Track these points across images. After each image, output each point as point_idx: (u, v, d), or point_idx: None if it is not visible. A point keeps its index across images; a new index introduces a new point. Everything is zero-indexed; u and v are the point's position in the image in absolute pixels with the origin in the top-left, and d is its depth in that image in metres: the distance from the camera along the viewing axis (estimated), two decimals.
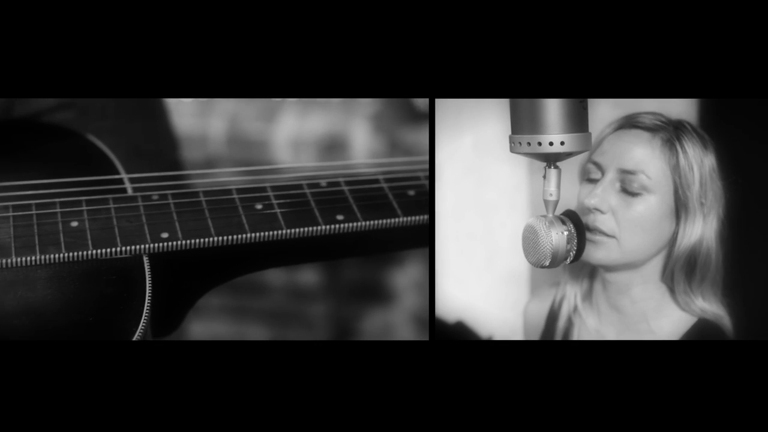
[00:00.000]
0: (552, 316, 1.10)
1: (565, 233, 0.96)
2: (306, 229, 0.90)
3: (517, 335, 1.45)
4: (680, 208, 0.98)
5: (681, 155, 0.97)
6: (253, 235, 0.89)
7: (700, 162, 0.98)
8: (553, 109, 0.92)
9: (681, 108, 1.13)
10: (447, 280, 1.63)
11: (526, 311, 1.16)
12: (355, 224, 0.91)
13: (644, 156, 0.97)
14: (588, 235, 0.98)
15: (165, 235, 0.89)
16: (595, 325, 1.05)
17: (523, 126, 0.94)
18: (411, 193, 0.96)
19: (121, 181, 0.97)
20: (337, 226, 0.91)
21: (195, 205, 0.92)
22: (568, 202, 1.01)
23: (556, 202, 0.97)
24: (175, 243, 0.89)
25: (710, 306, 1.00)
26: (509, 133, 0.95)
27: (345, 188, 0.95)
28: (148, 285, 0.87)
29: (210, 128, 2.02)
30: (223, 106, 2.03)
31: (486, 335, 1.51)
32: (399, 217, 0.92)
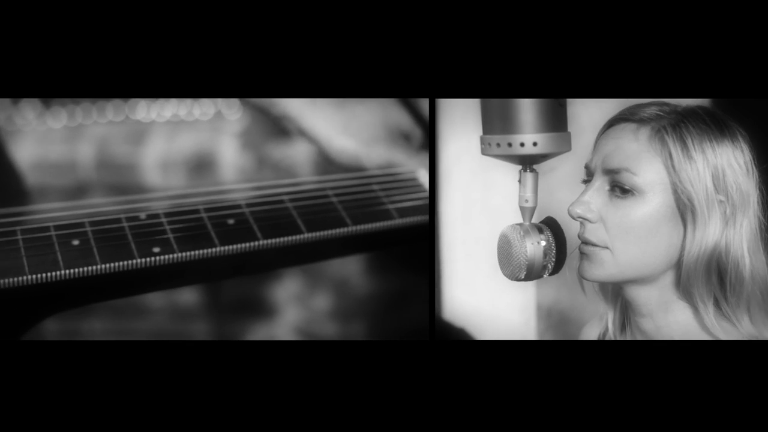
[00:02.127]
0: None
1: (542, 243, 0.88)
2: (121, 263, 0.91)
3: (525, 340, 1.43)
4: (684, 209, 0.83)
5: (674, 146, 0.83)
6: (68, 271, 0.90)
7: (710, 152, 0.83)
8: (525, 107, 0.84)
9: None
10: (455, 284, 1.63)
11: (581, 336, 1.02)
12: (171, 256, 0.92)
13: (629, 151, 0.85)
14: (580, 247, 0.88)
15: None
16: None
17: (494, 125, 0.86)
18: (230, 222, 0.96)
19: None
20: (154, 258, 0.91)
21: (11, 243, 0.92)
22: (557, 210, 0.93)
23: (533, 209, 0.89)
24: None
25: (763, 330, 0.85)
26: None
27: (164, 220, 0.95)
28: None
29: (78, 154, 2.00)
30: (92, 130, 2.02)
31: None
32: (216, 247, 0.93)
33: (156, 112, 2.02)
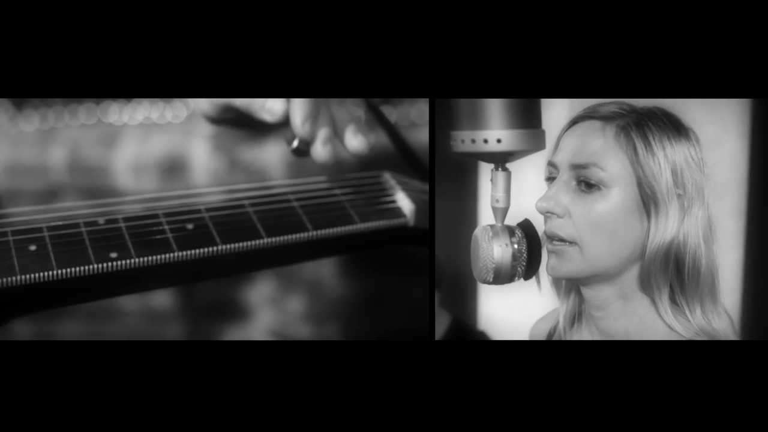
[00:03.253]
0: (549, 339, 1.02)
1: (513, 246, 0.87)
2: (78, 268, 0.90)
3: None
4: (648, 201, 0.87)
5: (638, 142, 0.87)
6: (23, 277, 0.89)
7: (669, 149, 0.87)
8: (491, 102, 0.83)
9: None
10: (487, 288, 1.62)
11: (532, 332, 1.06)
12: (129, 261, 0.91)
13: (596, 147, 0.88)
14: (548, 245, 0.88)
15: None
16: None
17: (462, 121, 0.84)
18: (189, 227, 0.96)
19: None
20: (111, 264, 0.91)
21: None
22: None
23: (505, 210, 0.88)
24: None
25: (714, 323, 0.88)
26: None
27: (122, 225, 0.95)
28: None
29: (50, 157, 1.99)
30: (64, 133, 2.01)
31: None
32: (174, 252, 0.93)
33: (128, 114, 2.01)
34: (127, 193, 1.95)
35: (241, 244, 0.94)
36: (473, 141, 0.83)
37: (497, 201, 0.88)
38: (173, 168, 1.98)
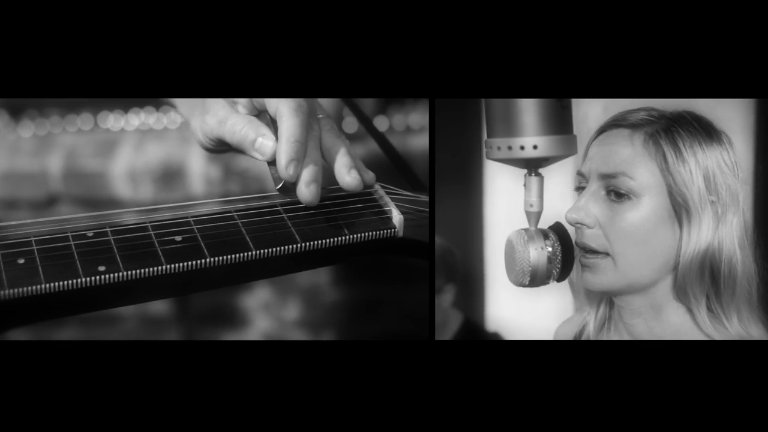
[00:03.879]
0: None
1: (547, 249, 0.87)
2: (66, 282, 0.90)
3: None
4: (679, 210, 0.85)
5: (668, 150, 0.85)
6: (11, 291, 0.89)
7: (701, 154, 0.86)
8: (527, 109, 0.84)
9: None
10: (496, 289, 1.62)
11: (557, 334, 1.05)
12: (117, 275, 0.91)
13: (624, 156, 0.87)
14: (581, 258, 0.88)
15: None
16: None
17: (497, 129, 0.86)
18: (178, 239, 0.96)
19: None
20: (99, 277, 0.91)
21: None
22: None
23: (539, 214, 0.89)
24: None
25: (750, 330, 0.87)
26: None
27: (111, 238, 0.95)
28: None
29: (48, 165, 2.00)
30: (61, 140, 2.01)
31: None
32: (162, 265, 0.92)
33: (124, 120, 2.01)
34: (124, 201, 1.96)
35: (229, 257, 0.94)
36: (510, 148, 0.85)
37: (531, 205, 0.89)
38: (169, 175, 1.99)
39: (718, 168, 0.86)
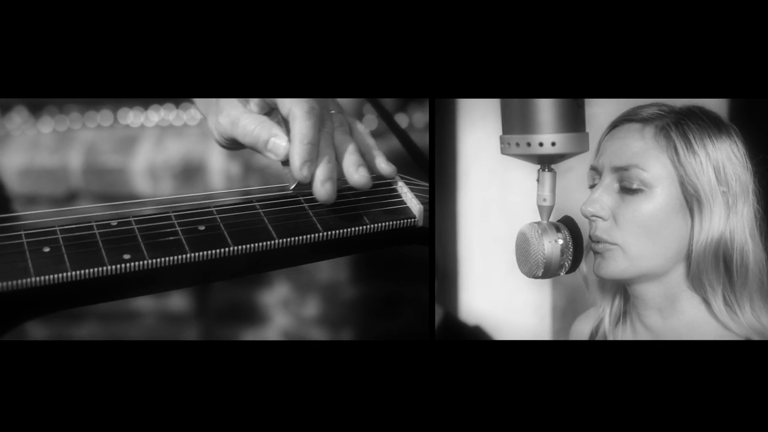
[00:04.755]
0: (591, 338, 1.02)
1: (560, 241, 0.90)
2: (92, 270, 0.91)
3: (540, 339, 1.42)
4: (691, 200, 0.88)
5: (679, 142, 0.88)
6: (38, 278, 0.90)
7: (710, 146, 0.88)
8: (544, 107, 0.87)
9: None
10: (471, 283, 1.63)
11: (573, 330, 1.07)
12: (142, 263, 0.92)
13: (636, 149, 0.90)
14: (593, 246, 0.91)
15: None
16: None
17: (513, 125, 0.89)
18: (201, 228, 0.96)
19: None
20: (124, 265, 0.91)
21: None
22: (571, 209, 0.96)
23: (551, 208, 0.92)
24: None
25: (762, 319, 0.88)
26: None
27: (135, 226, 0.96)
28: None
29: (69, 161, 2.01)
30: (81, 136, 2.02)
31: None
32: (186, 253, 0.93)
33: (144, 116, 2.02)
34: (143, 197, 1.97)
35: (252, 245, 0.95)
36: (528, 144, 0.88)
37: (544, 199, 0.92)
38: (189, 171, 2.00)
39: (728, 159, 0.88)
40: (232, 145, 1.04)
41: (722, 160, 0.88)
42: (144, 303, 2.10)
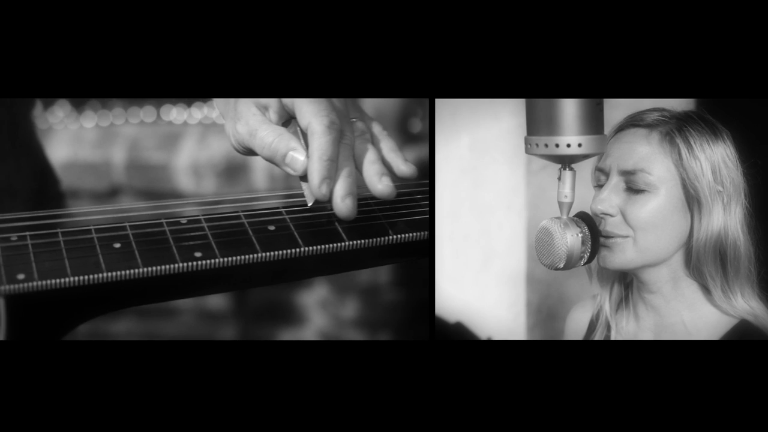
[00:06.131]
0: (591, 326, 1.09)
1: (580, 235, 0.96)
2: (163, 267, 0.90)
3: (514, 335, 1.44)
4: (691, 200, 0.96)
5: (682, 147, 0.96)
6: (109, 274, 0.89)
7: (708, 150, 0.96)
8: (570, 110, 0.93)
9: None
10: (443, 281, 1.63)
11: (570, 319, 1.14)
12: (213, 261, 0.91)
13: (643, 154, 0.97)
14: (602, 240, 0.98)
15: (21, 276, 0.89)
16: (633, 330, 1.04)
17: (539, 127, 0.95)
18: (271, 228, 0.96)
19: None
20: (195, 263, 0.91)
21: (53, 245, 0.92)
22: (584, 205, 1.02)
23: (571, 204, 0.98)
24: (31, 284, 0.89)
25: (751, 304, 0.98)
26: (525, 134, 0.97)
27: (205, 225, 0.95)
28: (3, 328, 0.86)
29: (112, 156, 2.01)
30: (124, 131, 2.02)
31: (484, 336, 1.50)
32: (258, 253, 0.92)
33: (187, 113, 2.02)
34: (186, 194, 1.96)
35: (323, 246, 0.94)
36: (557, 145, 0.94)
37: (565, 196, 0.98)
38: (232, 169, 1.99)
39: (723, 162, 0.96)
40: (249, 153, 1.02)
41: (718, 162, 0.96)
42: (183, 300, 2.10)
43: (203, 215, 0.96)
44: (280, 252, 0.93)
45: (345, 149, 0.96)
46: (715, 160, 0.96)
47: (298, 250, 0.93)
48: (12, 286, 0.88)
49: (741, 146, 1.00)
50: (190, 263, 0.90)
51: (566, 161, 0.97)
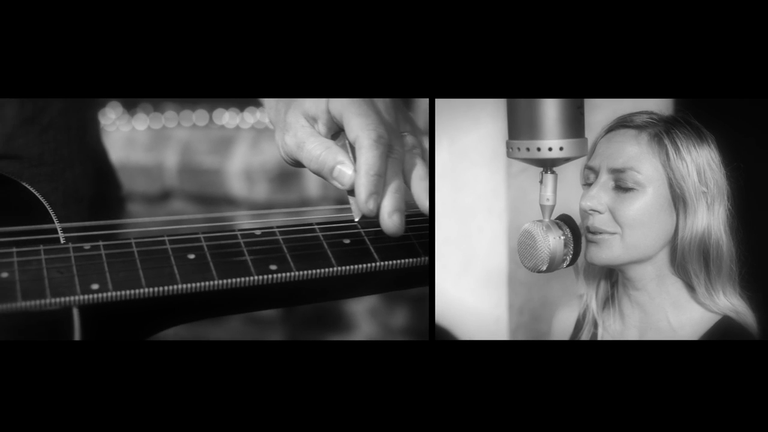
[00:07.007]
0: (578, 325, 1.10)
1: (562, 238, 0.97)
2: (239, 279, 0.89)
3: (496, 338, 1.43)
4: (677, 200, 0.98)
5: (670, 148, 0.98)
6: (184, 286, 0.88)
7: (694, 153, 0.99)
8: (551, 114, 0.94)
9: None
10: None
11: (556, 319, 1.15)
12: (288, 274, 0.90)
13: (632, 153, 0.99)
14: (590, 236, 0.99)
15: (95, 286, 0.88)
16: (618, 328, 1.06)
17: (521, 131, 0.95)
18: (346, 241, 0.94)
19: (54, 230, 0.95)
20: (271, 276, 0.90)
21: (127, 255, 0.91)
22: (564, 206, 1.03)
23: (553, 207, 0.99)
24: (105, 294, 0.88)
25: (732, 301, 1.00)
26: (506, 138, 0.97)
27: (279, 237, 0.94)
28: (77, 337, 0.86)
29: (165, 160, 2.00)
30: (178, 134, 2.02)
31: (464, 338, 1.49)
32: (333, 267, 0.91)
33: (240, 118, 2.01)
34: (238, 200, 1.95)
35: (398, 261, 0.92)
36: (539, 149, 0.94)
37: (547, 199, 0.99)
38: (285, 176, 1.98)
39: (707, 164, 0.99)
40: (298, 164, 1.00)
41: (703, 165, 0.98)
42: None
43: (277, 227, 0.95)
44: (356, 266, 0.92)
45: (393, 164, 0.93)
46: (700, 162, 0.99)
47: (373, 264, 0.92)
48: (86, 296, 0.87)
49: (724, 150, 1.02)
50: (265, 276, 0.89)
51: (548, 165, 0.98)
